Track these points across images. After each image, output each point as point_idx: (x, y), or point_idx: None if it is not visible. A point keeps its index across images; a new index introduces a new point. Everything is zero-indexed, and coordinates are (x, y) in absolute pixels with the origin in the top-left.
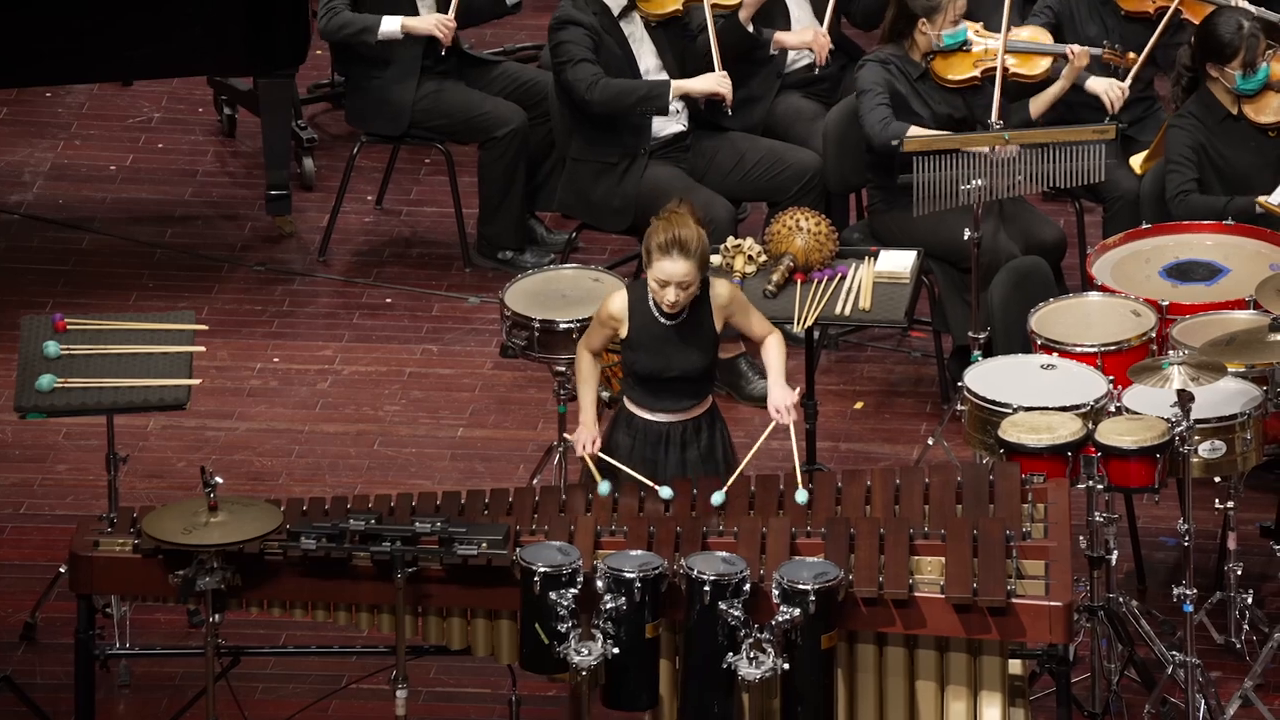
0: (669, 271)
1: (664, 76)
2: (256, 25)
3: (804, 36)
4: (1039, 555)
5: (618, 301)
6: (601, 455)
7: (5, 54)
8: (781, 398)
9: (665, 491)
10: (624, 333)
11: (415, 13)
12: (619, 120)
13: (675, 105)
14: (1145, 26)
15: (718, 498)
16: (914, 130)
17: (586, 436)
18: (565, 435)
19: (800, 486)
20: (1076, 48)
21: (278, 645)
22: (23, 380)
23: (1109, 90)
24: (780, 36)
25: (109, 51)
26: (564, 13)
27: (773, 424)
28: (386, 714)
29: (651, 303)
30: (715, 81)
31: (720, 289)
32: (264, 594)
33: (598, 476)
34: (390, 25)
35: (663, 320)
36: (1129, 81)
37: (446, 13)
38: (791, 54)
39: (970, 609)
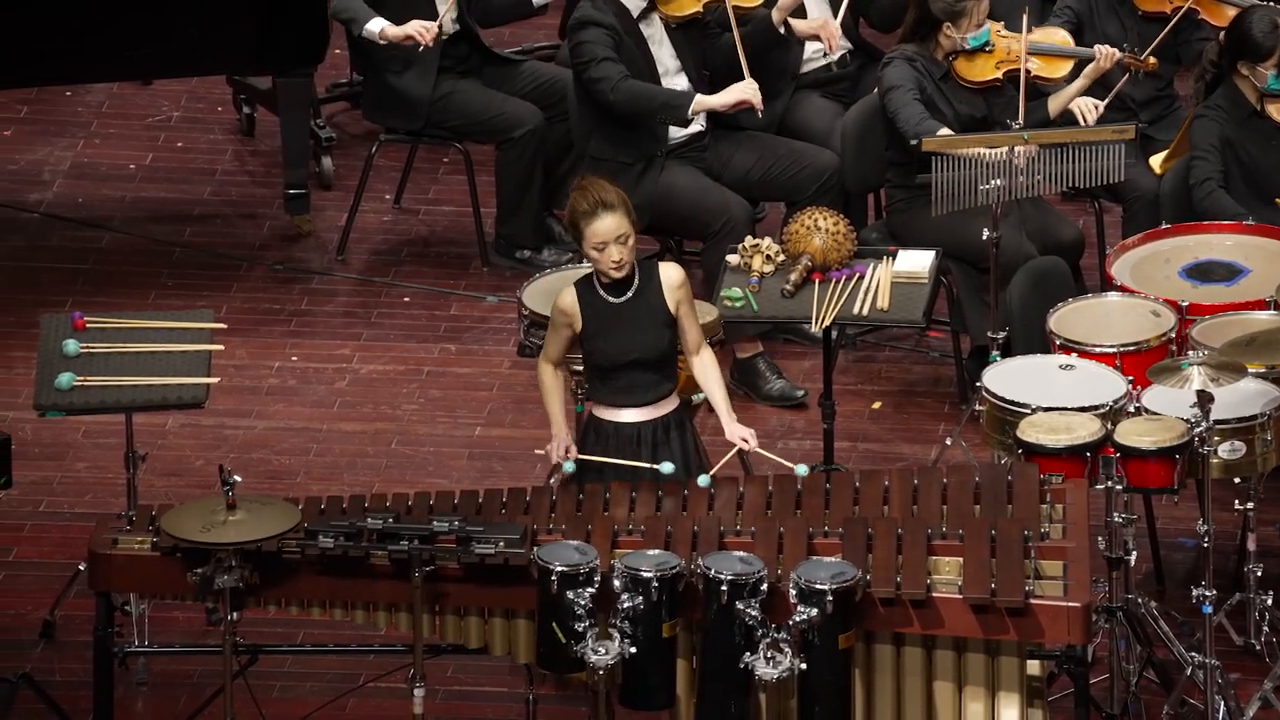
0: (603, 230)
1: (683, 78)
2: (275, 24)
3: (814, 24)
4: (1057, 556)
5: (568, 297)
6: (582, 457)
7: (16, 53)
8: (737, 429)
9: (667, 467)
10: (578, 326)
11: (434, 14)
12: (639, 123)
13: (698, 123)
14: (1163, 26)
15: (704, 480)
16: (943, 130)
17: (559, 445)
18: (538, 451)
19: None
20: (1103, 49)
21: (295, 643)
22: (42, 378)
23: (1082, 105)
24: (792, 22)
25: (128, 49)
26: (584, 13)
27: (735, 450)
28: (404, 713)
29: (598, 286)
30: (741, 91)
31: (672, 271)
32: (282, 592)
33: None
34: (373, 26)
35: (612, 299)
36: (1107, 100)
37: (457, 16)
38: (808, 52)
39: (988, 609)
